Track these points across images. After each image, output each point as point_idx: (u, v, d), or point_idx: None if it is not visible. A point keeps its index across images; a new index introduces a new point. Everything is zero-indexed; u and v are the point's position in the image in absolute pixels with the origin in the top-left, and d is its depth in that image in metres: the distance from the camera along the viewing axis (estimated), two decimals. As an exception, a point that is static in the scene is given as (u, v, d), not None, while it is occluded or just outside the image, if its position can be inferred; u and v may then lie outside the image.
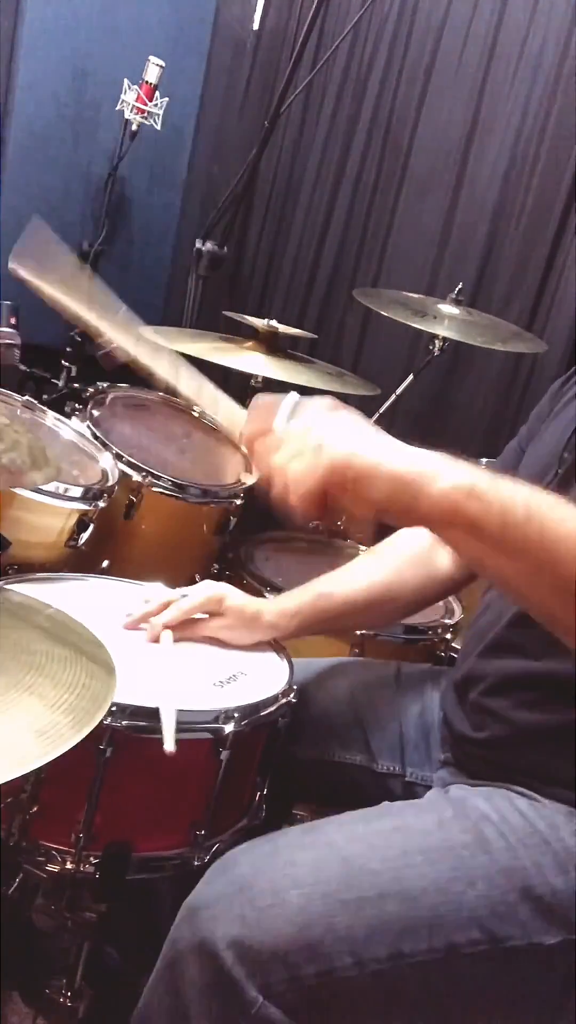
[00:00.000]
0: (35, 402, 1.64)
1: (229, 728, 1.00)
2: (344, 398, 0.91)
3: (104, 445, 1.64)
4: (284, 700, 1.09)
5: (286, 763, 1.16)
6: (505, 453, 1.27)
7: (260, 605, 1.19)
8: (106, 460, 1.60)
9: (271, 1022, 0.87)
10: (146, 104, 2.59)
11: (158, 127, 2.64)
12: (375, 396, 2.16)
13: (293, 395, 0.88)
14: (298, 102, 2.83)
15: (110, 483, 1.53)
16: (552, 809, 0.97)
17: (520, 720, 1.02)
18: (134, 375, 1.10)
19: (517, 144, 2.64)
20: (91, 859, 0.99)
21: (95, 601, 1.22)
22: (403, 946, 0.88)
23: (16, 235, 1.04)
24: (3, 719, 0.76)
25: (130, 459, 1.62)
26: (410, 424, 2.74)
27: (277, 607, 1.19)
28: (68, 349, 2.39)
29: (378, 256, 2.95)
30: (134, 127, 2.63)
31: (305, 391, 0.89)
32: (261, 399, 0.89)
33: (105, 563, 1.59)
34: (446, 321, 2.19)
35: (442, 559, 1.23)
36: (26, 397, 1.63)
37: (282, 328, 2.02)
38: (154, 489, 1.62)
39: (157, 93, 2.59)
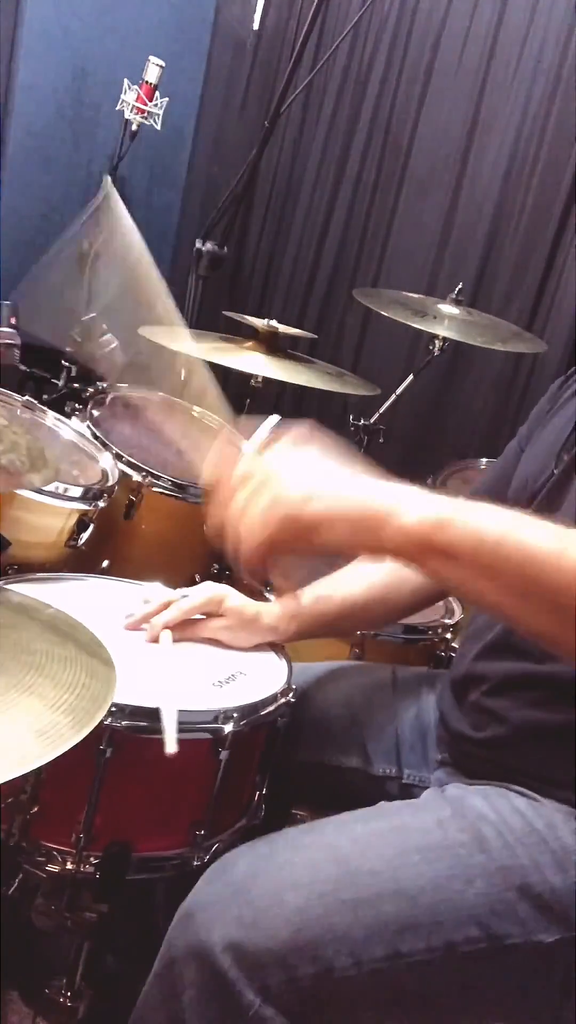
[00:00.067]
0: (35, 402, 1.64)
1: (228, 728, 1.00)
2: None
3: (104, 445, 1.64)
4: (283, 700, 1.09)
5: (285, 766, 1.15)
6: (505, 453, 1.27)
7: (260, 607, 1.19)
8: (106, 460, 1.60)
9: None
10: (146, 104, 2.59)
11: (158, 127, 2.64)
12: (375, 396, 2.16)
13: (273, 419, 0.87)
14: (298, 102, 2.83)
15: (110, 483, 1.53)
16: (551, 808, 0.97)
17: (520, 720, 1.02)
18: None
19: (517, 144, 2.64)
20: (91, 859, 0.99)
21: (95, 601, 1.22)
22: (401, 946, 0.88)
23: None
24: (3, 719, 0.76)
25: (130, 459, 1.62)
26: (410, 424, 2.74)
27: (277, 609, 1.19)
28: (68, 349, 2.39)
29: (378, 256, 2.95)
30: (134, 127, 2.63)
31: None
32: (231, 437, 0.89)
33: (105, 563, 1.59)
34: (446, 321, 2.19)
35: None
36: (26, 397, 1.63)
37: (282, 328, 2.02)
38: (154, 489, 1.62)
39: (157, 93, 2.60)
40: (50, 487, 1.36)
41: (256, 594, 1.19)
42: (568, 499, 1.03)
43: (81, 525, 1.45)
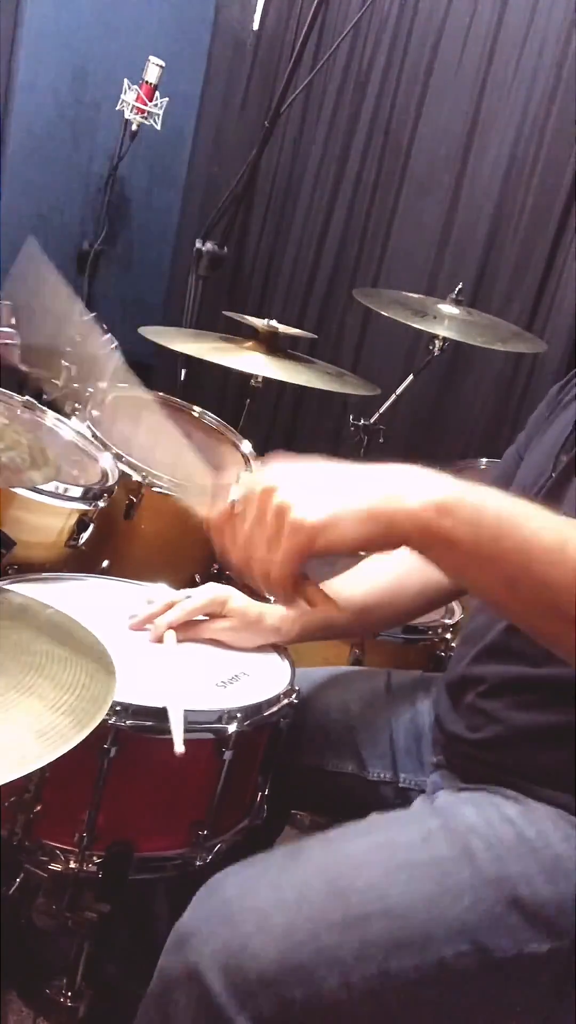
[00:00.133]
0: (35, 402, 1.64)
1: (232, 728, 1.00)
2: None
3: (104, 445, 1.64)
4: (286, 700, 1.09)
5: (284, 771, 1.15)
6: (504, 459, 1.27)
7: (263, 608, 1.19)
8: (106, 460, 1.60)
9: None
10: (146, 104, 2.60)
11: (158, 127, 2.64)
12: (375, 396, 2.16)
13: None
14: (298, 102, 2.83)
15: (110, 483, 1.53)
16: (542, 814, 0.96)
17: (516, 721, 1.02)
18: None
19: (517, 144, 2.64)
20: (94, 859, 0.99)
21: (95, 601, 1.22)
22: (391, 965, 0.87)
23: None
24: (3, 720, 0.76)
25: (130, 459, 1.62)
26: (410, 424, 2.74)
27: (279, 611, 1.19)
28: (68, 349, 2.39)
29: (378, 256, 2.95)
30: (134, 127, 2.63)
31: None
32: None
33: (105, 563, 1.59)
34: (446, 321, 2.19)
35: None
36: (26, 397, 1.63)
37: (282, 328, 2.02)
38: (154, 489, 1.62)
39: (157, 93, 2.60)
40: (50, 487, 1.36)
41: (258, 595, 1.19)
42: (566, 500, 1.03)
43: (81, 525, 1.45)
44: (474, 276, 2.69)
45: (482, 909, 0.89)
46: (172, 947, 0.90)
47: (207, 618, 1.17)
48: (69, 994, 1.16)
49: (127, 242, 2.90)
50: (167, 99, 2.61)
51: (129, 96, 2.59)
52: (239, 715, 1.01)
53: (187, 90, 2.85)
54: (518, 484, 1.15)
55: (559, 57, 2.55)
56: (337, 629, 1.29)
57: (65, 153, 2.72)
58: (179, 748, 0.92)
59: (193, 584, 1.21)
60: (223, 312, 2.34)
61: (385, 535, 0.77)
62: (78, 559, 1.47)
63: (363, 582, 1.22)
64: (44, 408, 1.66)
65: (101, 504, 1.48)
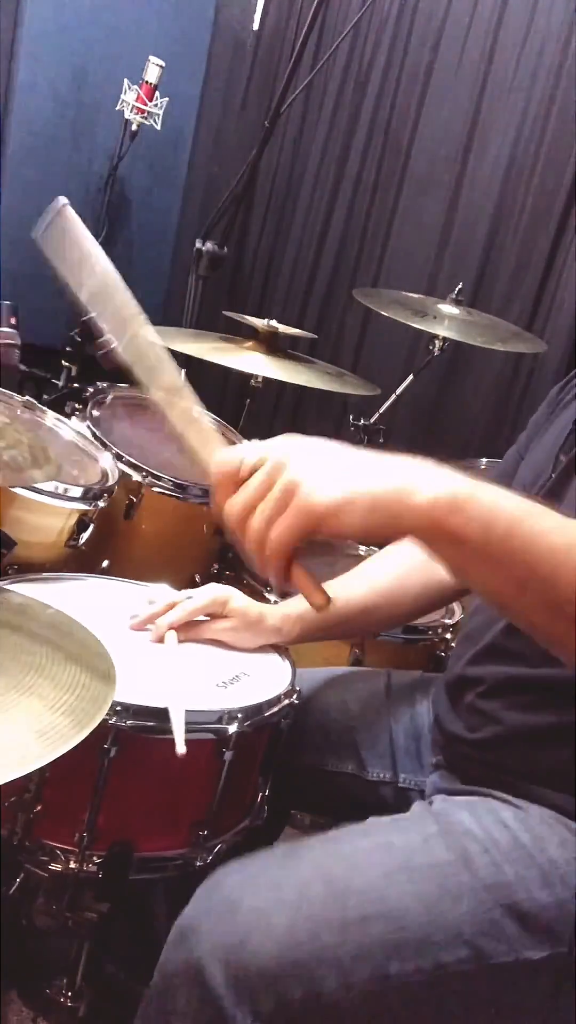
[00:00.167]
0: (35, 402, 1.64)
1: (233, 729, 1.00)
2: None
3: (104, 445, 1.64)
4: (287, 701, 1.09)
5: (284, 771, 1.16)
6: (505, 460, 1.27)
7: (264, 609, 1.19)
8: (106, 460, 1.60)
9: None
10: (146, 104, 2.59)
11: (158, 127, 2.64)
12: (375, 396, 2.16)
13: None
14: (298, 102, 2.83)
15: (110, 483, 1.53)
16: (538, 819, 0.96)
17: (516, 721, 1.02)
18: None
19: (517, 144, 2.64)
20: (94, 858, 0.99)
21: (95, 601, 1.22)
22: (390, 967, 0.87)
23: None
24: (3, 720, 0.76)
25: (130, 459, 1.62)
26: (410, 424, 2.74)
27: (280, 611, 1.19)
28: (68, 349, 2.39)
29: (378, 256, 2.95)
30: (134, 127, 2.63)
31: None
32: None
33: (105, 563, 1.59)
34: (446, 321, 2.19)
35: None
36: (26, 397, 1.63)
37: (282, 328, 2.02)
38: (154, 489, 1.62)
39: (157, 93, 2.60)
40: (50, 487, 1.36)
41: (259, 595, 1.19)
42: (566, 500, 1.03)
43: (81, 525, 1.45)
44: (474, 276, 2.69)
45: (479, 914, 0.89)
46: (174, 942, 0.90)
47: (208, 618, 1.17)
48: (69, 994, 1.17)
49: (127, 242, 2.89)
50: (167, 99, 2.61)
51: (129, 96, 2.59)
52: (240, 715, 1.01)
53: (187, 90, 2.84)
54: (518, 484, 1.15)
55: (559, 57, 2.55)
56: (338, 629, 1.29)
57: (65, 153, 2.72)
58: (180, 749, 0.92)
59: (193, 584, 1.21)
60: (223, 312, 2.35)
61: (391, 527, 0.76)
62: (78, 559, 1.47)
63: (363, 582, 1.22)
64: (44, 408, 1.66)
65: (101, 504, 1.48)
